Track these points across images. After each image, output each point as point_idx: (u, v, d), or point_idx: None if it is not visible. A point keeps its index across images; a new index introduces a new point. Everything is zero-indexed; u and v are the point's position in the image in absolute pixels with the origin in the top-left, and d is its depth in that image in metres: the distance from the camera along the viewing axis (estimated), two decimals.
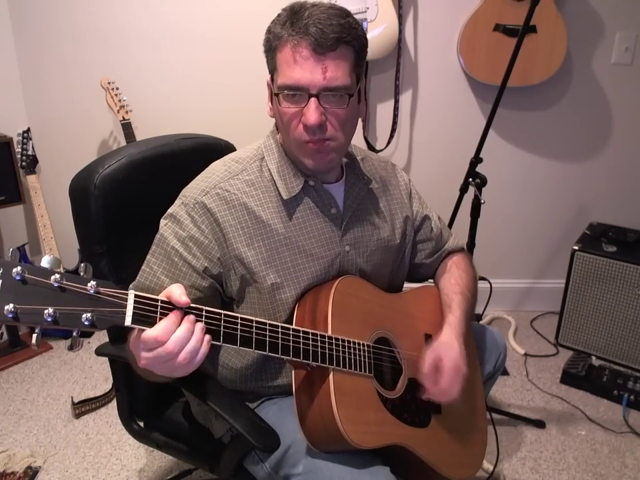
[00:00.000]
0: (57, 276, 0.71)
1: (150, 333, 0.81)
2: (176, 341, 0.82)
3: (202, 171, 1.16)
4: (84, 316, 0.73)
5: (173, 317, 0.83)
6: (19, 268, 0.69)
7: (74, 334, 0.76)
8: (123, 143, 2.33)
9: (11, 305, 0.67)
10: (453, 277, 1.34)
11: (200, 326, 0.85)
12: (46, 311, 0.70)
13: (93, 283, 0.74)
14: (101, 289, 0.75)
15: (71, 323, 0.73)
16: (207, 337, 0.86)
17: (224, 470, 1.19)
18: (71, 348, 0.77)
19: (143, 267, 1.12)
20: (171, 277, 1.08)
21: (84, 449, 1.91)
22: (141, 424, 1.36)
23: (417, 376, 1.15)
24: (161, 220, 1.12)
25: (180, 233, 1.08)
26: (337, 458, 1.05)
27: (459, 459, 1.22)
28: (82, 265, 0.76)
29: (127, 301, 0.78)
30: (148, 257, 1.12)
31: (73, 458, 1.87)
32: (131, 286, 1.12)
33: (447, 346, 1.16)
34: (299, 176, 1.13)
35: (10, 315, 0.68)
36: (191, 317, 0.84)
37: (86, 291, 0.74)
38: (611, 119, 2.50)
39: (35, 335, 0.72)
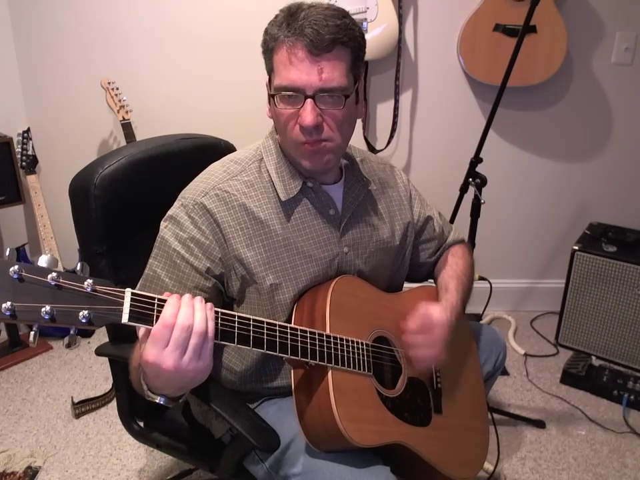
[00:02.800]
0: (54, 274, 0.72)
1: (158, 323, 0.81)
2: (183, 316, 0.81)
3: (202, 171, 1.16)
4: (81, 314, 0.74)
5: (171, 302, 0.82)
6: (16, 266, 0.69)
7: (71, 332, 0.77)
8: (123, 142, 2.33)
9: (9, 303, 0.68)
10: (448, 265, 1.35)
11: (199, 298, 0.85)
12: (43, 309, 0.70)
13: (89, 281, 0.75)
14: (98, 287, 0.76)
15: (68, 321, 0.73)
16: (209, 304, 0.86)
17: (224, 470, 1.19)
18: (68, 345, 0.77)
19: (145, 271, 1.12)
20: (174, 280, 1.08)
21: (84, 448, 1.91)
22: (141, 424, 1.36)
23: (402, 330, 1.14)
24: (161, 222, 1.12)
25: (180, 234, 1.08)
26: (337, 457, 1.05)
27: (460, 458, 1.22)
28: (79, 263, 0.77)
29: (123, 299, 0.78)
30: (150, 260, 1.11)
31: (73, 458, 1.87)
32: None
33: (439, 313, 1.15)
34: (297, 177, 1.13)
35: (7, 313, 0.68)
36: (187, 296, 0.84)
37: (83, 289, 0.74)
38: (611, 119, 2.50)
39: (32, 333, 0.72)
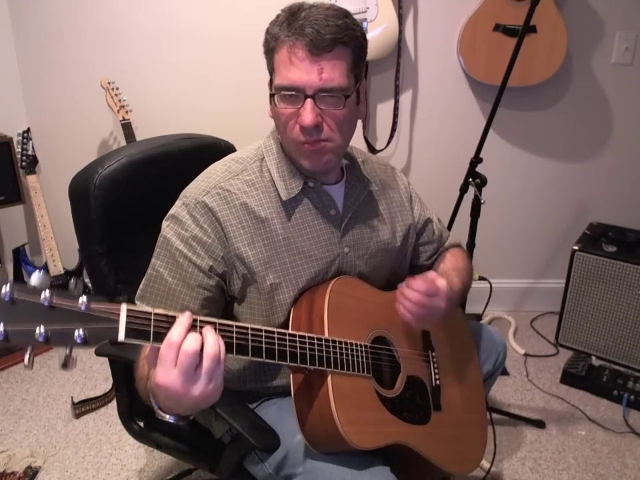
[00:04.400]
0: (47, 294, 0.70)
1: (165, 340, 0.78)
2: (190, 341, 0.77)
3: (202, 171, 1.16)
4: (76, 333, 0.71)
5: (180, 322, 0.79)
6: (7, 288, 0.67)
7: (67, 352, 0.73)
8: (123, 142, 2.33)
9: (1, 326, 0.66)
10: (447, 260, 1.35)
11: (209, 329, 0.81)
12: (37, 331, 0.68)
13: (83, 299, 0.72)
14: (92, 305, 0.73)
15: (63, 341, 0.70)
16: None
17: (224, 470, 1.19)
18: (64, 366, 0.73)
19: (148, 271, 1.11)
20: (178, 279, 1.08)
21: (84, 448, 1.91)
22: (141, 424, 1.36)
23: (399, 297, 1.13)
24: (163, 221, 1.12)
25: (183, 233, 1.08)
26: (337, 458, 1.05)
27: (459, 454, 1.23)
28: (71, 281, 0.75)
29: (119, 316, 0.75)
30: (153, 260, 1.11)
31: (73, 458, 1.87)
32: (138, 290, 1.11)
33: (445, 285, 1.14)
34: (299, 177, 1.13)
35: (0, 337, 0.66)
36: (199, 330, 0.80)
37: (77, 308, 0.71)
38: (611, 119, 2.50)
39: (26, 356, 0.70)
